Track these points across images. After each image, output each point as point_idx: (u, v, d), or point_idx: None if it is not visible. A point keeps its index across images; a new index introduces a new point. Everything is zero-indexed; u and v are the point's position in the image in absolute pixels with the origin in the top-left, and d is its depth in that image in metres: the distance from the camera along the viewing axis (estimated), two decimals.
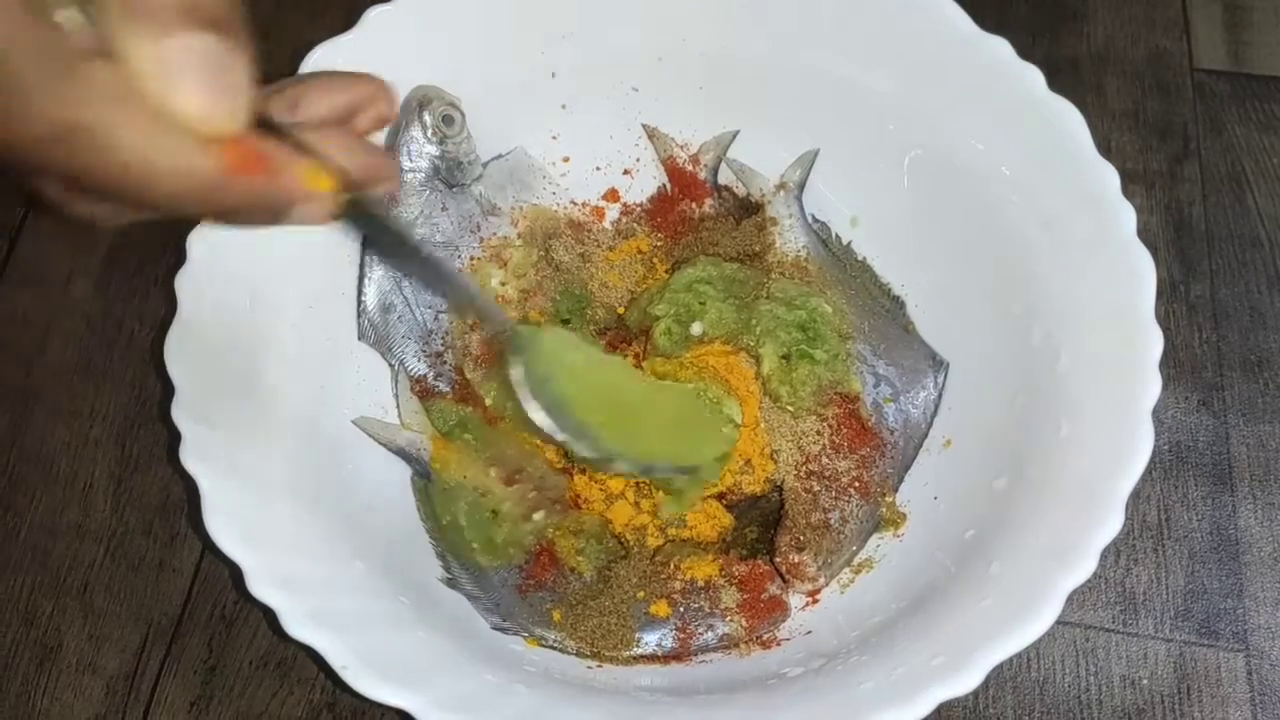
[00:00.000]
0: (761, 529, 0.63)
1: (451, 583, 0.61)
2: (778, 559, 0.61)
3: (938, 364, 0.65)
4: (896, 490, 0.63)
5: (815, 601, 0.61)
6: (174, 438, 0.55)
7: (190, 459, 0.52)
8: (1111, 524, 0.50)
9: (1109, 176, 0.58)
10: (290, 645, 0.63)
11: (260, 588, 0.50)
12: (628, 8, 0.67)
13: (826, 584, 0.61)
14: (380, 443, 0.63)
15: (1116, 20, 0.81)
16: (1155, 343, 0.54)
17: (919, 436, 0.64)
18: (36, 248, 0.75)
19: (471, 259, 0.67)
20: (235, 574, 0.53)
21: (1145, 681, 0.62)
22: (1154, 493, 0.67)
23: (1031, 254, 0.61)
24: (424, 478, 0.64)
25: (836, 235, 0.69)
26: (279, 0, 0.83)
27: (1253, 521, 0.66)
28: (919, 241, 0.67)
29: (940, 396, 0.65)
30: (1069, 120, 0.60)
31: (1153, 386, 0.53)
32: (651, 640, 0.59)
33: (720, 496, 0.63)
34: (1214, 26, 0.81)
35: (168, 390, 0.56)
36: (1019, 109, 0.61)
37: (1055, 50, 0.78)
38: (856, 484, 0.62)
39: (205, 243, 0.58)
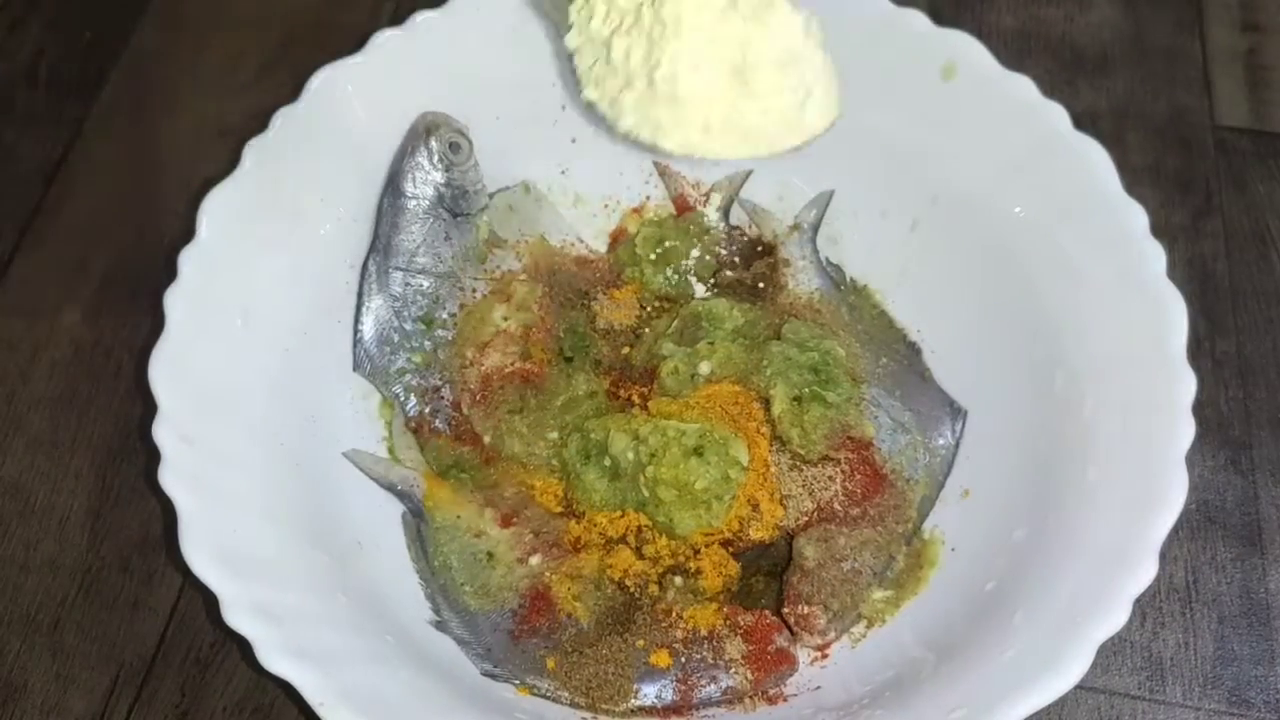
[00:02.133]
0: (769, 578, 0.60)
1: (441, 626, 0.57)
2: (786, 610, 0.58)
3: (955, 411, 0.63)
4: (910, 542, 0.60)
5: (825, 656, 0.58)
6: (154, 459, 0.52)
7: (170, 479, 0.50)
8: (1145, 572, 0.47)
9: (1137, 216, 0.56)
10: (267, 692, 0.60)
11: (237, 617, 0.47)
12: None
13: (837, 638, 0.58)
14: (371, 478, 0.61)
15: (1137, 76, 0.80)
16: (1188, 385, 0.52)
17: (936, 486, 0.61)
18: (28, 275, 0.73)
19: (474, 291, 0.65)
20: (212, 608, 0.50)
21: None
22: (1181, 554, 0.64)
23: (1055, 297, 0.59)
24: (416, 516, 0.61)
25: (851, 279, 0.67)
26: (287, 35, 0.83)
27: None
28: (936, 285, 0.65)
29: (958, 445, 0.62)
30: (1094, 159, 0.58)
31: (1186, 430, 0.51)
32: (650, 692, 0.56)
33: (727, 544, 0.60)
34: (1235, 85, 0.80)
35: (150, 410, 0.53)
36: (1042, 149, 0.60)
37: (1075, 104, 0.77)
38: (869, 533, 0.59)
39: (197, 262, 0.56)
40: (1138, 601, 0.50)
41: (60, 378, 0.70)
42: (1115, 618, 0.47)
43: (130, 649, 0.62)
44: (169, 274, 0.56)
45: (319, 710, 0.45)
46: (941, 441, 0.62)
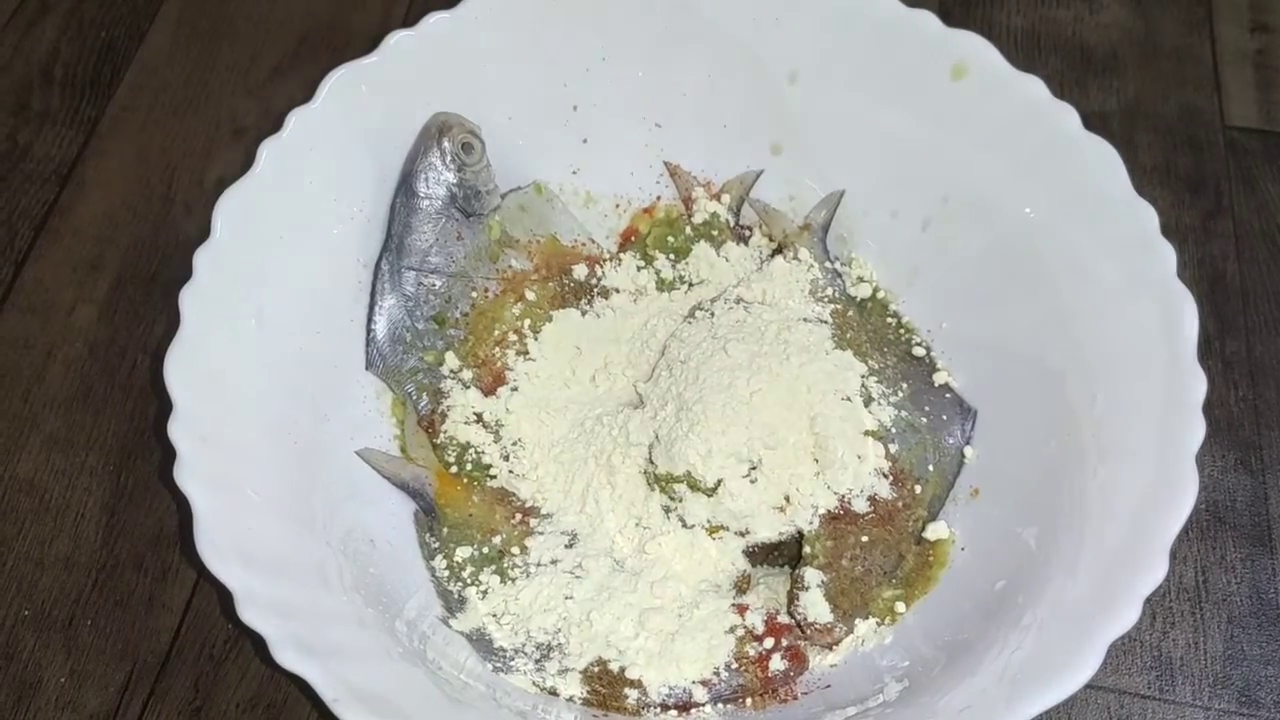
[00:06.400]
0: (780, 577, 0.60)
1: (452, 623, 0.58)
2: (795, 609, 0.58)
3: (965, 411, 0.63)
4: (920, 540, 0.60)
5: (835, 654, 0.58)
6: (169, 457, 0.52)
7: (185, 477, 0.50)
8: (1156, 571, 0.48)
9: (1148, 216, 0.56)
10: (280, 688, 0.60)
11: (250, 613, 0.47)
12: (653, 44, 0.66)
13: (844, 637, 0.58)
14: (384, 475, 0.61)
15: (1147, 76, 0.80)
16: (1199, 385, 0.52)
17: (946, 485, 0.61)
18: (43, 274, 0.74)
19: (487, 291, 0.65)
20: (226, 604, 0.50)
21: None
22: (1191, 554, 0.64)
23: (1065, 297, 0.59)
24: (428, 514, 0.61)
25: (858, 278, 0.68)
26: (301, 36, 0.83)
27: None
28: (947, 285, 0.65)
29: (968, 444, 0.62)
30: (1104, 160, 0.58)
31: (1197, 429, 0.51)
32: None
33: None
34: (1245, 85, 0.80)
35: (165, 409, 0.54)
36: (1053, 149, 0.60)
37: (1085, 104, 0.77)
38: (879, 532, 0.59)
39: (212, 261, 0.57)
40: (1148, 601, 0.50)
41: (75, 376, 0.70)
42: (1126, 617, 0.47)
43: (144, 646, 0.62)
44: (184, 273, 0.57)
45: (332, 706, 0.45)
46: (951, 441, 0.62)
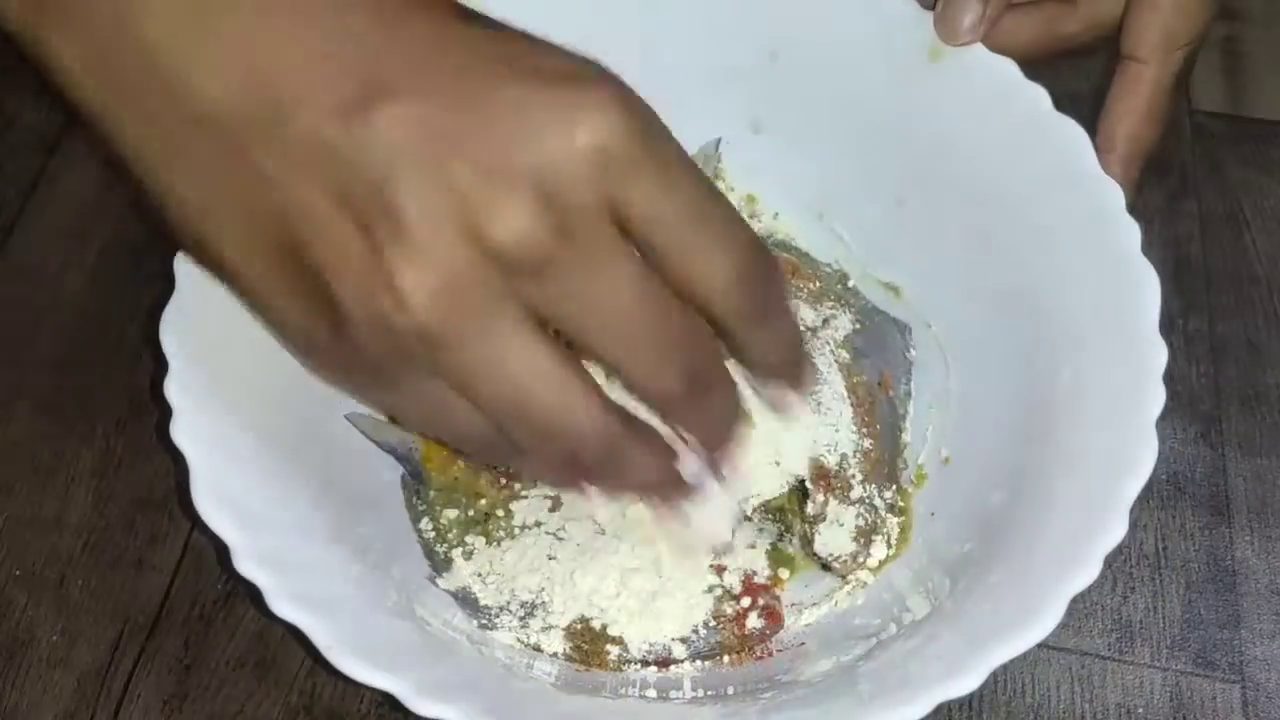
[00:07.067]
0: (758, 534, 0.62)
1: (438, 581, 0.59)
2: (816, 545, 0.59)
3: (901, 327, 0.66)
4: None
5: (809, 614, 0.60)
6: (161, 423, 0.54)
7: (180, 434, 0.51)
8: (1116, 530, 0.50)
9: (1113, 194, 0.58)
10: (270, 646, 0.62)
11: (246, 565, 0.48)
12: (636, 19, 0.67)
13: (865, 561, 0.60)
14: (371, 439, 0.62)
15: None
16: (1160, 355, 0.54)
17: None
18: (31, 240, 0.75)
19: None
20: (223, 558, 0.51)
21: (1141, 710, 0.61)
22: (1151, 522, 0.66)
23: (1035, 273, 0.61)
24: (415, 478, 0.62)
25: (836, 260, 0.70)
26: None
27: (1249, 553, 0.66)
28: (924, 261, 0.67)
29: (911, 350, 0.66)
30: (1073, 139, 0.60)
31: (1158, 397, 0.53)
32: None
33: None
34: (1212, 71, 0.82)
35: (155, 373, 0.55)
36: (1027, 131, 0.62)
37: (1055, 86, 0.79)
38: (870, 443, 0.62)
39: None
40: (1109, 566, 0.52)
41: (64, 341, 0.71)
42: (1087, 574, 0.49)
43: (135, 606, 0.64)
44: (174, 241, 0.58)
45: (326, 653, 0.47)
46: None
